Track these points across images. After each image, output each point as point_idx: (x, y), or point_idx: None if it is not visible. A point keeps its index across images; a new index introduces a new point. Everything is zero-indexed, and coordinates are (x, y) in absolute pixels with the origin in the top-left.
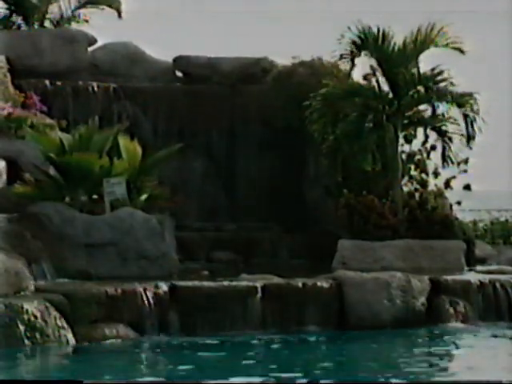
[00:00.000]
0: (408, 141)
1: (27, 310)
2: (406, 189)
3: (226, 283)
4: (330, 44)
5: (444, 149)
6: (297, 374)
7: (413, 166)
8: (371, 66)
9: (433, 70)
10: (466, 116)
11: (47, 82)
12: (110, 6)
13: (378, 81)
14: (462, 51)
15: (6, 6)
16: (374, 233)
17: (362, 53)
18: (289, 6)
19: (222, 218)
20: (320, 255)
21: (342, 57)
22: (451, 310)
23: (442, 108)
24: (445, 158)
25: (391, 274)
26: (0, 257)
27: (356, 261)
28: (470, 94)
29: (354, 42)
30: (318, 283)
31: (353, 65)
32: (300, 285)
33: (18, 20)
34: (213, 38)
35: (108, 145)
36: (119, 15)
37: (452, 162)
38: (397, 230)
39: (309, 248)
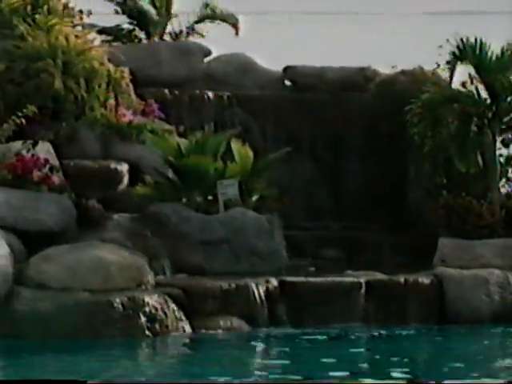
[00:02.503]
0: (505, 145)
1: (148, 303)
2: (503, 190)
3: (331, 279)
4: (428, 53)
5: None
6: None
7: (510, 169)
8: (469, 74)
9: None
10: None
11: (166, 90)
12: (226, 22)
13: (477, 88)
14: None
15: (130, 21)
16: (473, 232)
17: (460, 62)
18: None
19: (327, 218)
20: (421, 253)
21: (439, 66)
22: None
23: None
24: None
25: (489, 271)
26: (123, 253)
27: (455, 258)
28: None
29: (453, 53)
30: (419, 279)
31: (452, 73)
32: (402, 281)
33: (141, 34)
34: (320, 47)
35: (222, 149)
36: (236, 32)
37: None
38: (495, 230)
39: (410, 246)
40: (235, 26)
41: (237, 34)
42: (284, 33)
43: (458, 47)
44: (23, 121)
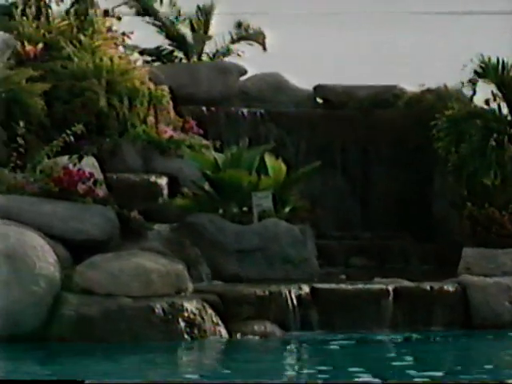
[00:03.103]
0: None
1: (187, 309)
2: None
3: (361, 286)
4: (453, 71)
5: None
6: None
7: None
8: (492, 92)
9: None
10: None
11: (204, 108)
12: (256, 41)
13: (499, 105)
14: None
15: (170, 43)
16: (496, 241)
17: (483, 80)
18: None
19: (357, 227)
20: (446, 262)
21: (463, 84)
22: None
23: None
24: None
25: None
26: (163, 261)
27: (479, 267)
28: None
29: (475, 71)
30: (445, 287)
31: (474, 91)
32: (428, 288)
33: (180, 55)
34: (350, 65)
35: (256, 163)
36: (264, 48)
37: None
38: None
39: (436, 255)
40: (263, 42)
41: (264, 49)
42: (310, 41)
43: (480, 66)
44: (71, 138)
